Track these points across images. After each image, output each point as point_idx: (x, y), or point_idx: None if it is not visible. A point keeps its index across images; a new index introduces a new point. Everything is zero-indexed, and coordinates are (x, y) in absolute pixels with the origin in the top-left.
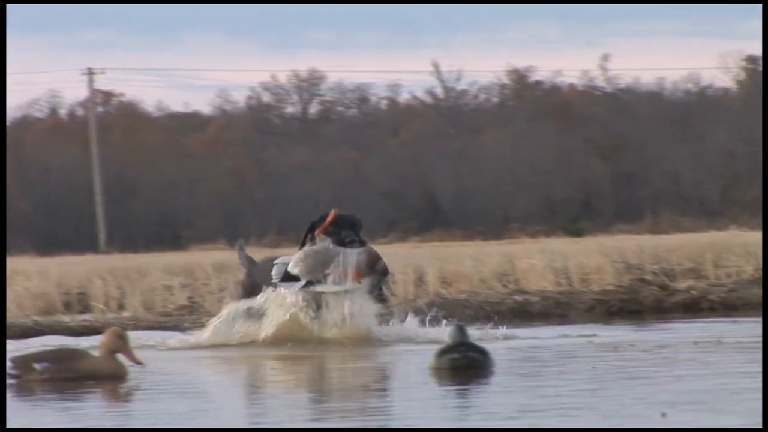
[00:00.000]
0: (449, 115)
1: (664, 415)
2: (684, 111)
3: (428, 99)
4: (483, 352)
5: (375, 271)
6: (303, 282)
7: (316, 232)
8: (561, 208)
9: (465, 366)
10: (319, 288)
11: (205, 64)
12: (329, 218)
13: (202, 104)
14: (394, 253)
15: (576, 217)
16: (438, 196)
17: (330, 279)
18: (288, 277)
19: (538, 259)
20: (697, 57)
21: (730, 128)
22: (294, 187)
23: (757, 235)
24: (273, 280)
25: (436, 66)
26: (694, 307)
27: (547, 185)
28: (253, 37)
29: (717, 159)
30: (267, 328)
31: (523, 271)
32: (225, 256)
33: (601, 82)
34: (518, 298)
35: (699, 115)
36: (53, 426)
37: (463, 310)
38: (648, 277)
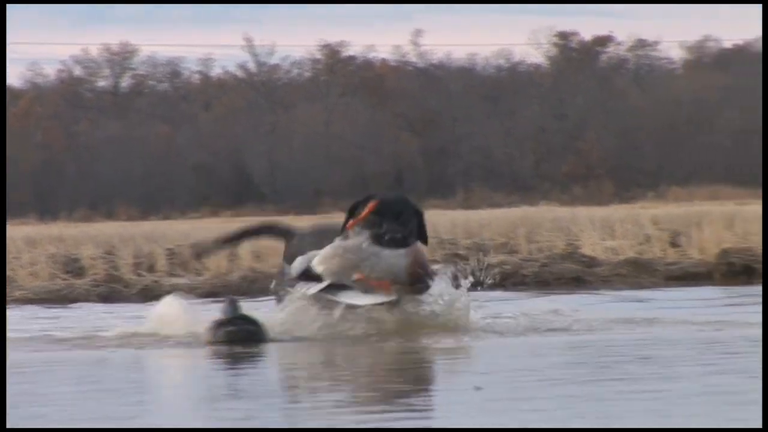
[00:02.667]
0: (262, 90)
1: (478, 388)
2: (495, 87)
3: (241, 73)
4: (257, 324)
5: (416, 282)
6: (323, 284)
7: (348, 224)
8: (373, 182)
9: (242, 339)
10: (335, 296)
11: (16, 37)
12: (367, 209)
13: (13, 78)
14: (206, 228)
15: (388, 190)
16: (250, 170)
17: (354, 287)
18: (308, 275)
19: None
20: (508, 33)
21: (541, 104)
22: (106, 161)
23: (568, 210)
24: (291, 276)
25: (248, 40)
26: (506, 282)
27: (359, 160)
28: (65, 10)
29: (528, 134)
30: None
31: None
32: (36, 230)
33: (413, 58)
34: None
35: (510, 91)
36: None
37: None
38: (461, 252)
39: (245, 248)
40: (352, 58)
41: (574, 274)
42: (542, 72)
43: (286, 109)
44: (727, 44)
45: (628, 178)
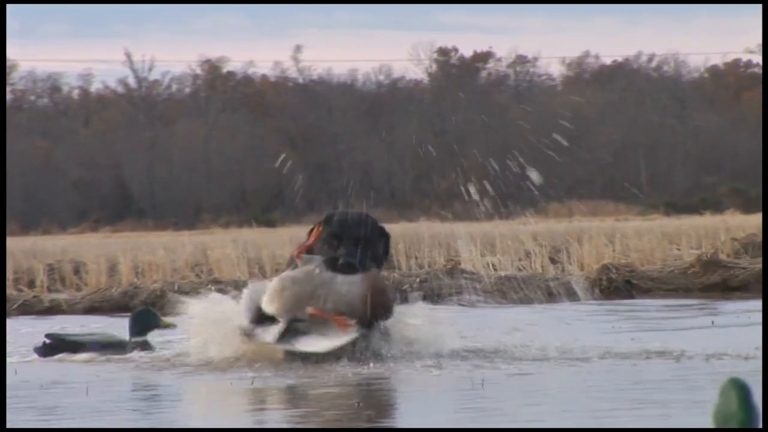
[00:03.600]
0: (141, 105)
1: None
2: (375, 103)
3: (120, 89)
4: None
5: (375, 313)
6: (279, 328)
7: (296, 252)
8: (253, 198)
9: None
10: (296, 346)
11: None
12: (313, 234)
13: None
14: (86, 243)
15: (268, 207)
16: (130, 185)
17: (309, 327)
18: (262, 317)
19: (231, 249)
20: (389, 49)
21: (421, 120)
22: None
23: (448, 226)
24: (243, 321)
25: (128, 55)
26: None
27: (239, 176)
28: None
29: (408, 150)
30: None
31: (216, 261)
32: None
33: (293, 74)
34: (214, 287)
35: (390, 107)
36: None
37: (157, 300)
38: None
39: (125, 263)
40: (232, 74)
41: (455, 289)
42: (422, 88)
43: (165, 124)
44: (607, 60)
45: (508, 195)
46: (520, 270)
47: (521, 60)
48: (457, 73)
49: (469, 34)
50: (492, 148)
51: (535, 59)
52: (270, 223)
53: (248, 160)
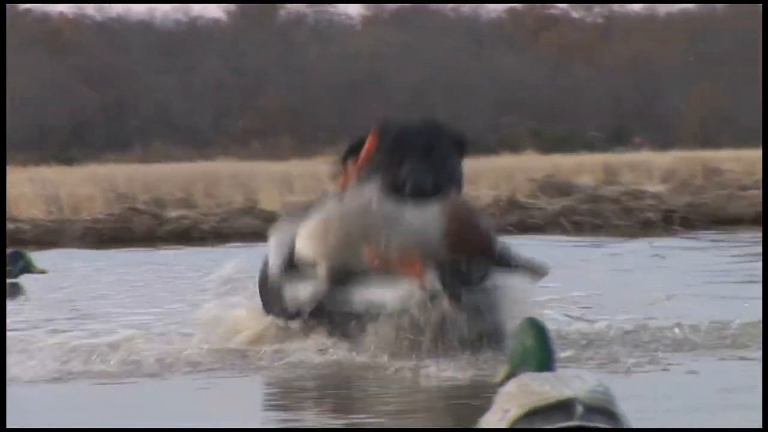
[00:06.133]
0: None
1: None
2: (174, 41)
3: None
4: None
5: (463, 248)
6: (314, 285)
7: (342, 176)
8: (51, 136)
9: None
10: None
11: None
12: (368, 143)
13: None
14: None
15: (66, 145)
16: None
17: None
18: (292, 264)
19: (28, 188)
20: None
21: (220, 58)
22: None
23: (247, 165)
24: (267, 275)
25: None
26: (186, 236)
27: (36, 113)
28: None
29: (207, 89)
30: None
31: (14, 199)
32: None
33: (91, 11)
34: (10, 226)
35: (189, 46)
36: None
37: None
38: (140, 206)
39: None
40: (29, 10)
41: (253, 229)
42: (221, 26)
43: None
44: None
45: (307, 134)
46: None
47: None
48: (256, 12)
49: None
50: (291, 88)
51: None
52: (68, 162)
53: (45, 98)
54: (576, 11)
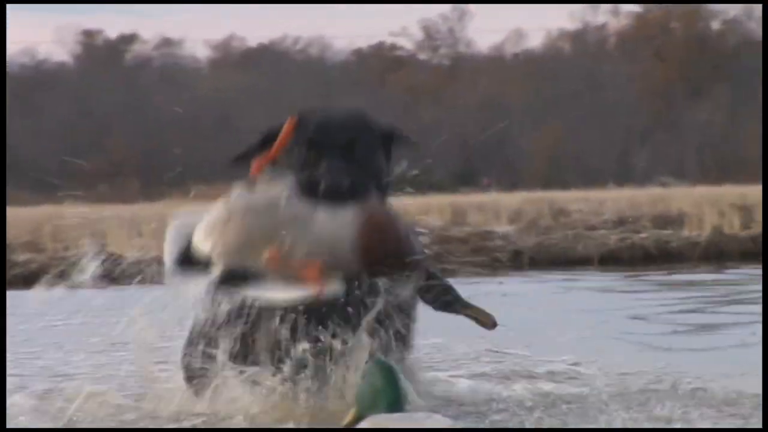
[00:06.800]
0: None
1: None
2: (21, 85)
3: None
4: None
5: (377, 261)
6: (215, 275)
7: (252, 168)
8: None
9: None
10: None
11: None
12: (282, 132)
13: None
14: None
15: None
16: None
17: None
18: (188, 259)
19: None
20: (34, 31)
21: (67, 102)
22: None
23: (94, 208)
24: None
25: None
26: (33, 280)
27: None
28: None
29: (55, 133)
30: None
31: None
32: None
33: None
34: None
35: (37, 89)
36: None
37: None
38: None
39: None
40: None
41: (103, 272)
42: (68, 70)
43: None
44: (252, 43)
45: (154, 177)
46: None
47: (167, 42)
48: (103, 55)
49: (114, 16)
50: (138, 130)
51: (181, 42)
52: None
53: None
54: (423, 53)
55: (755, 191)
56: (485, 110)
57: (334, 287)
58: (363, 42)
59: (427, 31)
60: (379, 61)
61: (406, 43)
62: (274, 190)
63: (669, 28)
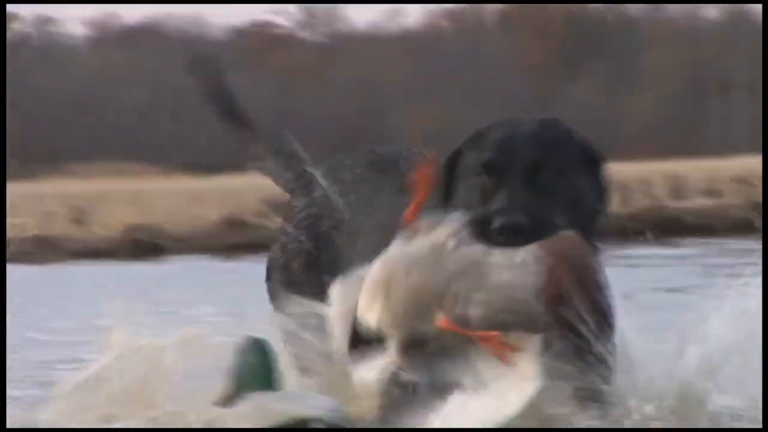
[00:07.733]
0: None
1: None
2: None
3: None
4: None
5: (563, 322)
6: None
7: (404, 217)
8: None
9: None
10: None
11: None
12: (424, 174)
13: None
14: None
15: None
16: None
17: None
18: (360, 339)
19: None
20: None
21: None
22: None
23: None
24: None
25: None
26: None
27: None
28: None
29: None
30: None
31: None
32: None
33: None
34: None
35: None
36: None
37: None
38: None
39: None
40: None
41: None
42: None
43: None
44: (130, 21)
45: (31, 157)
46: (42, 231)
47: (45, 21)
48: None
49: None
50: (15, 110)
51: (61, 20)
52: None
53: None
54: (302, 31)
55: (630, 169)
56: (361, 89)
57: (529, 360)
58: (241, 20)
59: (306, 9)
60: (259, 40)
61: (285, 21)
62: (439, 234)
63: (548, 7)
